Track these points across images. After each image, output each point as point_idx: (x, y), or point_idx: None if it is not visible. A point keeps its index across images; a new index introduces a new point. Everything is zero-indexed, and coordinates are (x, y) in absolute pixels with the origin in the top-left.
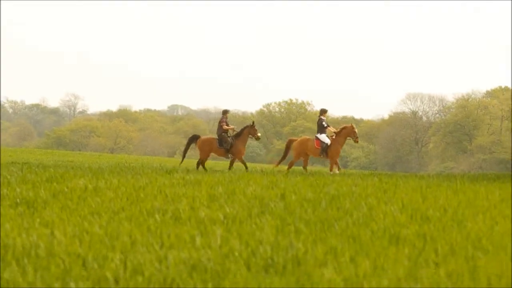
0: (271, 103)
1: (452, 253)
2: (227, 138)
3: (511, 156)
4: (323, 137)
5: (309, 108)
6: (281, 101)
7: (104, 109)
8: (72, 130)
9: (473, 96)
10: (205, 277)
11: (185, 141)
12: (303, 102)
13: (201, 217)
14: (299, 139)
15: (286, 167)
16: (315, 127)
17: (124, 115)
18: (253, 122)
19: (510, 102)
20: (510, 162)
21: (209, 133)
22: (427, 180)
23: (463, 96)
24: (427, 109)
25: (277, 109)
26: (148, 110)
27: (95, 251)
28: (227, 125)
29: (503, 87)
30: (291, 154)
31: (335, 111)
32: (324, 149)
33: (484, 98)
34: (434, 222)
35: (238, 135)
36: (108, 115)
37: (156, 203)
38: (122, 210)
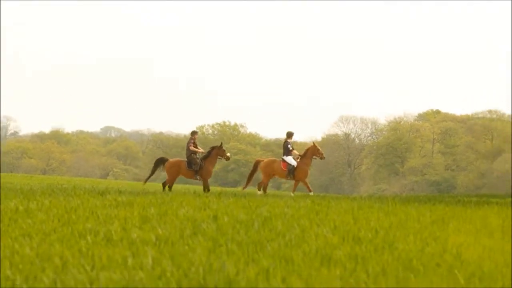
0: (204, 125)
1: (383, 273)
2: (196, 160)
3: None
4: (289, 159)
5: (242, 130)
6: (214, 123)
7: (36, 130)
8: (3, 151)
9: (405, 119)
10: None
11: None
12: (236, 124)
13: (133, 238)
14: (266, 160)
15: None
16: (248, 149)
17: (56, 136)
18: (221, 143)
19: (441, 126)
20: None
21: (142, 154)
22: (359, 202)
23: (395, 119)
24: (360, 132)
25: (210, 131)
26: (81, 132)
27: (25, 273)
28: (195, 146)
29: (434, 110)
30: (261, 175)
31: (268, 133)
32: (291, 171)
33: (416, 121)
34: (365, 243)
35: (206, 156)
36: (40, 137)
37: (88, 224)
38: (54, 232)
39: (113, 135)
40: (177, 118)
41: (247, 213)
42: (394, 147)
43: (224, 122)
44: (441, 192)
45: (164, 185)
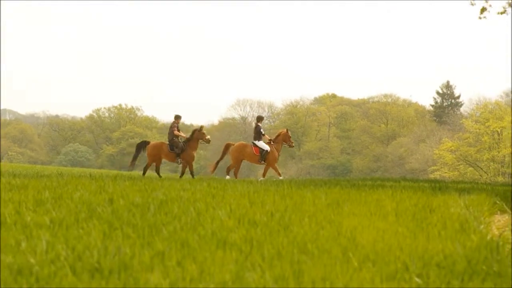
0: (100, 108)
1: (278, 257)
2: (179, 143)
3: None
4: (262, 144)
5: (139, 114)
6: (110, 106)
7: None
8: None
9: (301, 103)
10: (30, 280)
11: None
12: (132, 108)
13: (26, 221)
14: (236, 144)
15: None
16: (145, 132)
17: None
18: (201, 127)
19: (337, 109)
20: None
21: (38, 137)
22: (255, 185)
23: (291, 103)
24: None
25: (106, 114)
26: None
27: None
28: (178, 130)
29: (330, 94)
30: (230, 159)
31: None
32: (264, 156)
33: (312, 105)
34: (261, 226)
35: (188, 140)
36: None
37: None
38: None
39: (8, 118)
40: (73, 101)
41: (143, 197)
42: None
43: (121, 105)
44: (337, 176)
45: (145, 169)
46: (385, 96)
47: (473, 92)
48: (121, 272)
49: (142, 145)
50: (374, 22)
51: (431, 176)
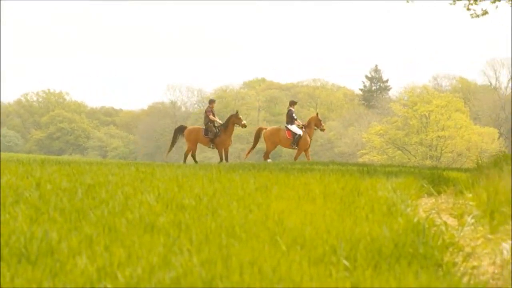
0: (28, 93)
1: (206, 241)
2: (213, 128)
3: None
4: (295, 128)
5: (68, 98)
6: (39, 90)
7: None
8: None
9: (230, 87)
10: None
11: None
12: (61, 92)
13: None
14: (269, 128)
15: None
16: (74, 117)
17: None
18: (237, 111)
19: (266, 94)
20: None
21: None
22: (184, 169)
23: (221, 87)
24: (186, 100)
25: (35, 98)
26: None
27: None
28: (213, 115)
29: (259, 78)
30: (265, 144)
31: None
32: (296, 140)
33: (242, 89)
34: (189, 210)
35: (223, 125)
36: None
37: None
38: None
39: None
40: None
41: (71, 181)
42: (220, 115)
43: (49, 90)
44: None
45: (185, 155)
46: (314, 80)
47: (402, 76)
48: (48, 257)
49: (179, 130)
50: (307, 7)
51: (360, 159)
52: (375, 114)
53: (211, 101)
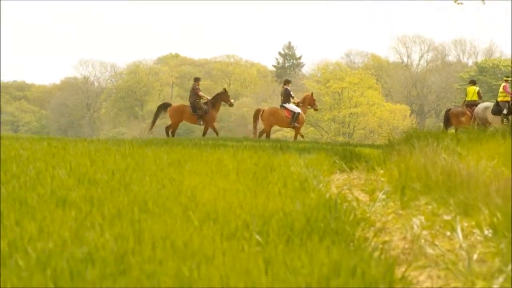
0: None
1: (118, 215)
2: (202, 105)
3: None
4: (292, 106)
5: None
6: None
7: None
8: None
9: (144, 62)
10: None
11: None
12: None
13: None
14: (267, 109)
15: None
16: None
17: None
18: (224, 89)
19: (179, 69)
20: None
21: None
22: (97, 145)
23: (134, 63)
24: (99, 75)
25: None
26: None
27: None
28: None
29: (173, 54)
30: (262, 124)
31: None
32: (295, 118)
33: (155, 65)
34: (102, 185)
35: (211, 102)
36: None
37: None
38: None
39: None
40: None
41: None
42: (133, 90)
43: None
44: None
45: (167, 130)
46: (228, 56)
47: (315, 53)
48: None
49: (162, 107)
50: None
51: (274, 136)
52: None
53: (197, 79)
